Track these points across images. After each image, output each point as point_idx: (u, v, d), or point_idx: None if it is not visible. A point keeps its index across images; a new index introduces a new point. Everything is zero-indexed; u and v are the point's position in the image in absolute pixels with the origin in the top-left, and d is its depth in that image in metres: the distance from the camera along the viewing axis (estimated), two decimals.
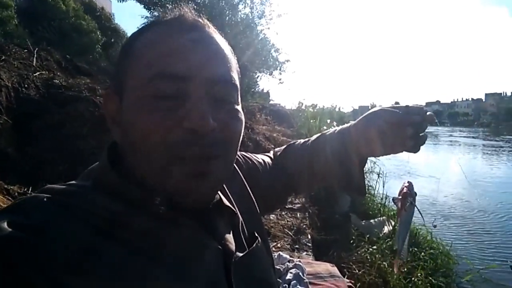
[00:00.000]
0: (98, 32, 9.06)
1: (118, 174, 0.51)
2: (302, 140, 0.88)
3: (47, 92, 2.71)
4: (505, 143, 23.53)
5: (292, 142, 0.90)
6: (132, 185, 0.50)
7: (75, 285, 0.39)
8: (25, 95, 2.55)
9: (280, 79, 15.29)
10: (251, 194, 0.72)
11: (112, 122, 0.54)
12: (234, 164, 0.64)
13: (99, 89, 3.19)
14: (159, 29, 0.53)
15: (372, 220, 4.07)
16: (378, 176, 5.28)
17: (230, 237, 0.58)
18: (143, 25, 0.55)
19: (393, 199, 0.79)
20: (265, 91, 18.61)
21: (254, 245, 0.62)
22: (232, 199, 0.64)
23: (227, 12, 12.92)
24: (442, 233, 4.60)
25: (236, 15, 13.57)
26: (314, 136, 0.86)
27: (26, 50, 3.87)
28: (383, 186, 5.07)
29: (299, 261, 1.20)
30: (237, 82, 0.55)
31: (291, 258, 1.24)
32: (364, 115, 0.73)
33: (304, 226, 2.66)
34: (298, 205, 3.13)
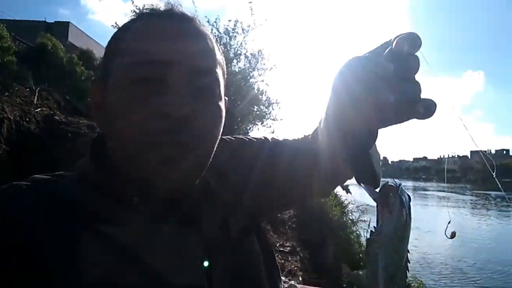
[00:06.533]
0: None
1: (96, 165, 0.50)
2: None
3: (46, 127, 2.78)
4: (491, 199, 24.02)
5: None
6: (108, 175, 0.49)
7: (48, 273, 0.39)
8: (26, 128, 2.60)
9: (270, 126, 15.32)
10: (245, 185, 0.63)
11: (96, 110, 0.53)
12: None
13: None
14: (146, 18, 0.51)
15: (362, 271, 4.00)
16: (368, 226, 5.26)
17: (216, 229, 0.54)
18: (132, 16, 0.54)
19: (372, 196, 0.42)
20: None
21: (239, 239, 0.57)
22: (226, 191, 0.59)
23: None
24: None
25: (230, 68, 14.04)
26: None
27: (28, 89, 4.01)
28: None
29: (294, 284, 1.20)
30: (221, 78, 0.53)
31: (286, 280, 1.25)
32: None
33: (296, 268, 2.63)
34: (289, 248, 3.10)
